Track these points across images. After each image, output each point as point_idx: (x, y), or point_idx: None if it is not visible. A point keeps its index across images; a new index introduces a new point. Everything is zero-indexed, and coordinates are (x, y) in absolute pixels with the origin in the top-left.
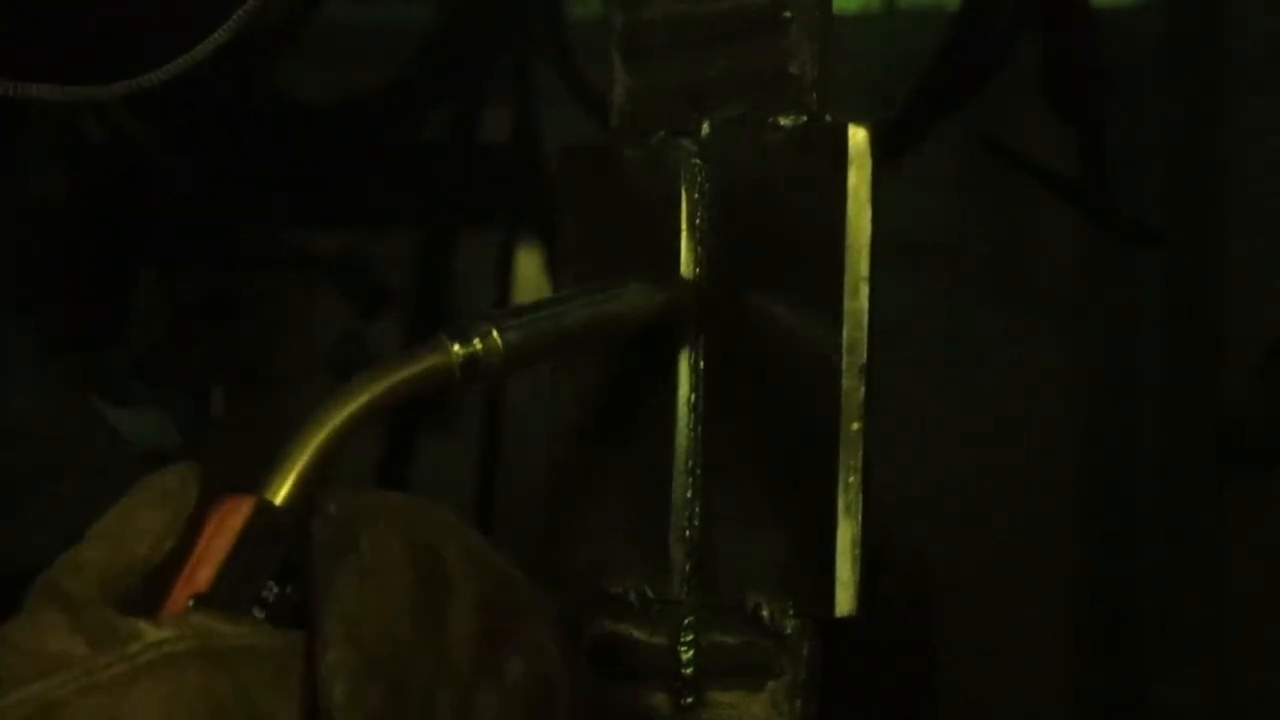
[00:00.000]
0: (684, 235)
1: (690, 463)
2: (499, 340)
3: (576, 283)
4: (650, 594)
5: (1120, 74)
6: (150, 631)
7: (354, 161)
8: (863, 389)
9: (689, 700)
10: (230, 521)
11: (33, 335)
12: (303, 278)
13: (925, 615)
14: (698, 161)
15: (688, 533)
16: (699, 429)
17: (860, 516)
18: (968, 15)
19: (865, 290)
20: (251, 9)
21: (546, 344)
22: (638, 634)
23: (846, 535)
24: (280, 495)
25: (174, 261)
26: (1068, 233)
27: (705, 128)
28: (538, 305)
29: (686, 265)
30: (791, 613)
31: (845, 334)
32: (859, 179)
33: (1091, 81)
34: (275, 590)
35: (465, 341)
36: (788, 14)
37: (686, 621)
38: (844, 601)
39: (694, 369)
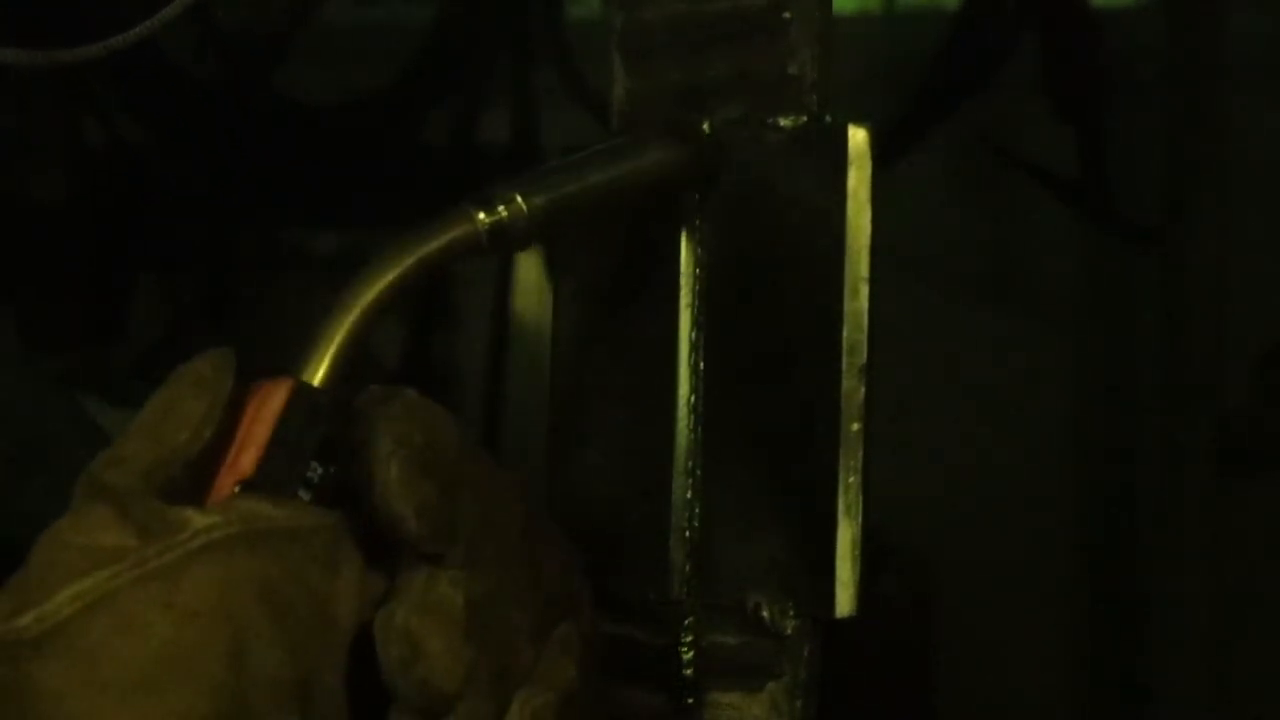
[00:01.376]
0: (684, 236)
1: (690, 464)
2: (524, 205)
3: (577, 284)
4: (651, 595)
5: (1120, 74)
6: (197, 519)
7: (354, 161)
8: (863, 390)
9: (689, 700)
10: (269, 405)
11: (17, 331)
12: (302, 278)
13: (925, 615)
14: None
15: (688, 534)
16: (699, 430)
17: (860, 517)
18: (967, 16)
19: (865, 291)
20: None
21: (572, 205)
22: (638, 635)
23: (846, 536)
24: (317, 376)
25: (174, 262)
26: (1068, 234)
27: (705, 128)
28: (559, 167)
29: (686, 265)
30: (792, 613)
31: (845, 335)
32: (859, 179)
33: (1091, 82)
34: (319, 470)
35: (490, 209)
36: (787, 15)
37: (687, 622)
38: (844, 602)
39: (694, 369)
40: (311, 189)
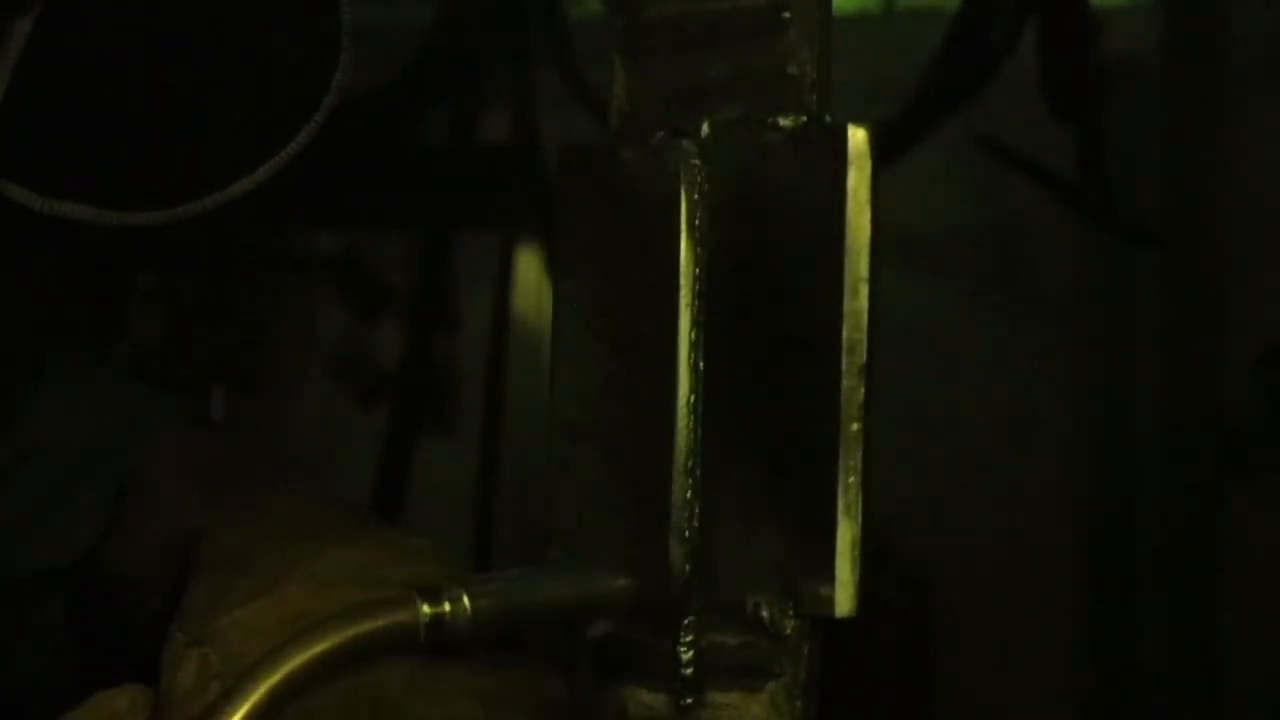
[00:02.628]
0: (683, 236)
1: (690, 463)
2: (469, 606)
3: (577, 285)
4: (650, 595)
5: (1120, 74)
6: None
7: (353, 162)
8: (862, 389)
9: (689, 701)
10: None
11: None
12: (302, 279)
13: (925, 615)
14: (697, 162)
15: (687, 533)
16: (699, 430)
17: (860, 517)
18: (967, 16)
19: (865, 291)
20: (293, 151)
21: (516, 616)
22: (638, 635)
23: (846, 536)
24: None
25: (173, 263)
26: (1067, 234)
27: (705, 128)
28: (509, 576)
29: (686, 265)
30: (791, 613)
31: (845, 334)
32: (858, 179)
33: (1090, 82)
34: None
35: (435, 603)
36: (787, 14)
37: (686, 622)
38: (843, 602)
39: (694, 369)
40: (311, 189)
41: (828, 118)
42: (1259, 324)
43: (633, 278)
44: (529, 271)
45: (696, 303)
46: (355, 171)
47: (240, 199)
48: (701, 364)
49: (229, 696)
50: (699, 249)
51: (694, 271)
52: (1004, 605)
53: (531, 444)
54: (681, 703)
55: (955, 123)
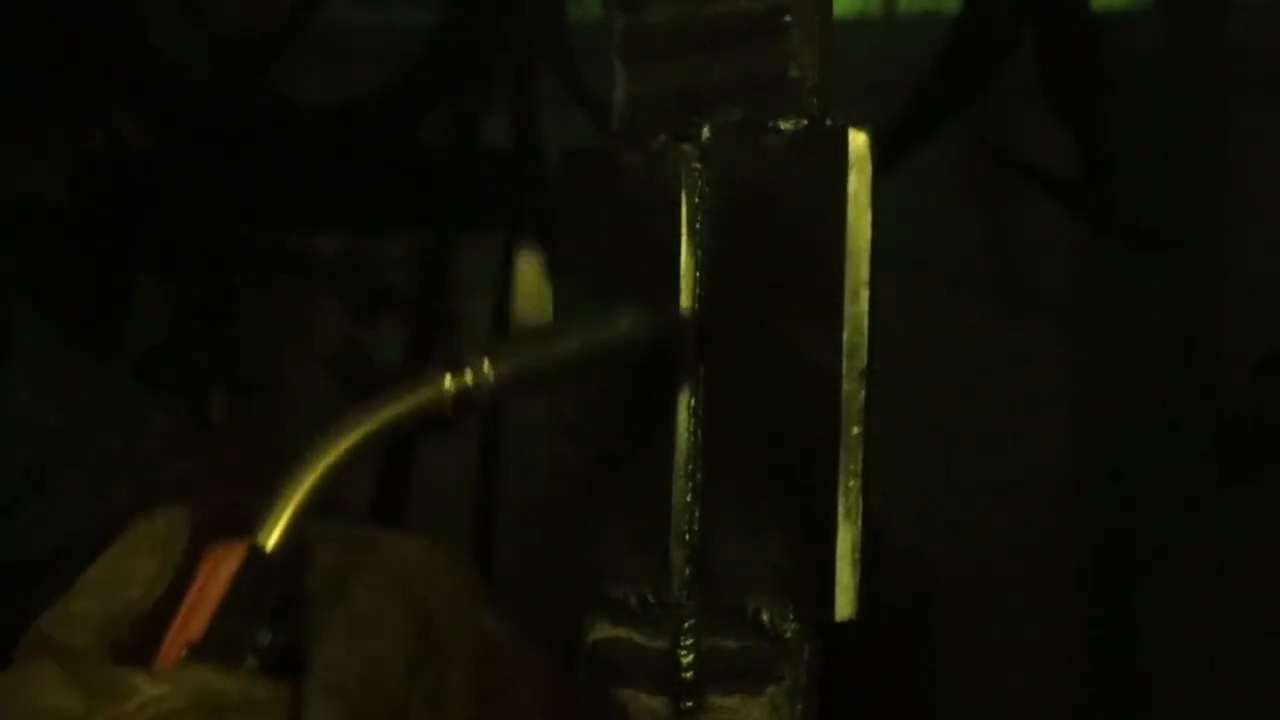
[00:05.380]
0: (684, 239)
1: (690, 466)
2: (490, 372)
3: (577, 287)
4: (651, 598)
5: (1120, 75)
6: (147, 686)
7: (354, 165)
8: (863, 393)
9: (689, 704)
10: (223, 568)
11: (45, 332)
12: (303, 281)
13: (925, 618)
14: (698, 165)
15: (688, 537)
16: (699, 433)
17: (860, 520)
18: (967, 18)
19: (865, 294)
20: None
21: (539, 374)
22: (638, 638)
23: (846, 539)
24: (272, 539)
25: (174, 265)
26: (1067, 236)
27: (705, 131)
28: (531, 334)
29: (686, 268)
30: (791, 617)
31: (845, 338)
32: (859, 183)
33: (1090, 85)
34: (269, 637)
35: (457, 373)
36: (788, 18)
37: (687, 625)
38: (844, 605)
39: (694, 373)
40: (312, 192)
41: (828, 121)
42: (1259, 326)
43: (633, 280)
44: (530, 274)
45: (696, 306)
46: (356, 173)
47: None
48: (702, 368)
49: (271, 501)
50: (699, 252)
51: (694, 274)
52: (1004, 607)
53: (531, 444)
54: (682, 706)
55: (956, 126)
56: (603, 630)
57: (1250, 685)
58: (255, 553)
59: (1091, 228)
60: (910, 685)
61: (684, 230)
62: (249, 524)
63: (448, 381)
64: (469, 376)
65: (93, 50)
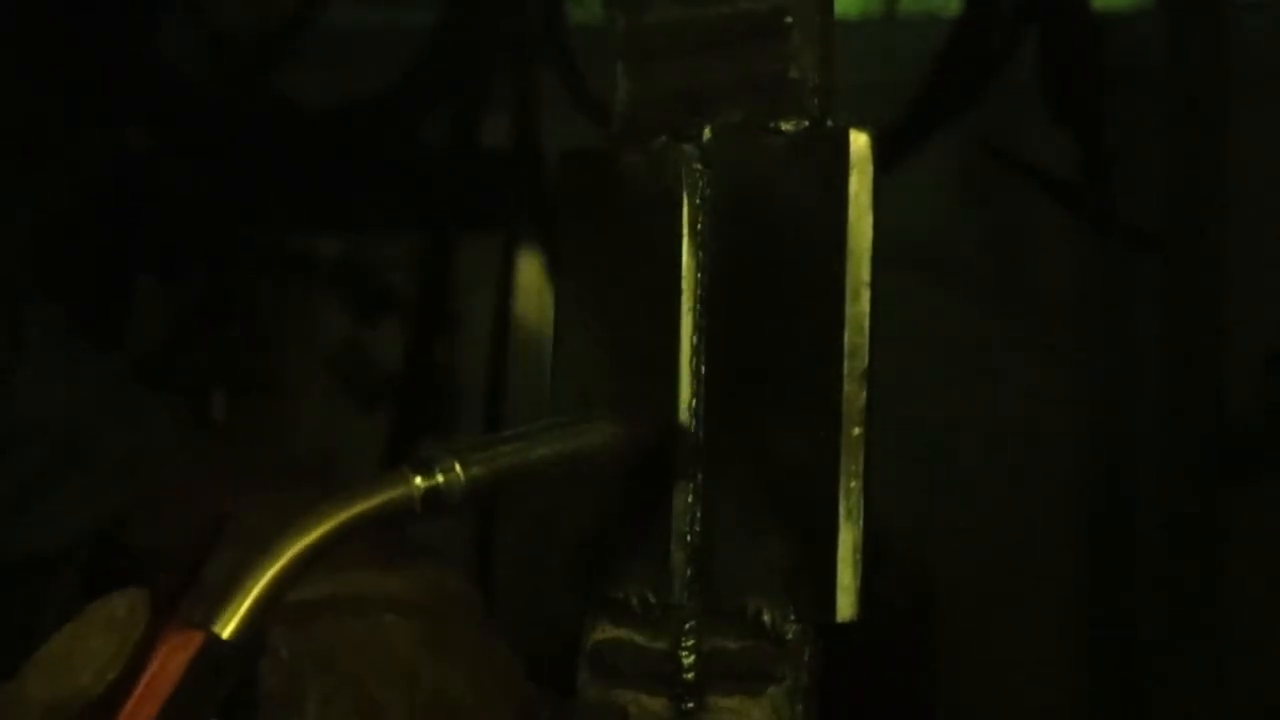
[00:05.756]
0: (685, 240)
1: (691, 468)
2: (462, 474)
3: (577, 285)
4: (651, 599)
5: (1120, 75)
6: None
7: (354, 165)
8: (864, 394)
9: (690, 705)
10: (177, 655)
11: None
12: (304, 282)
13: (925, 619)
14: (699, 166)
15: (689, 538)
16: (700, 434)
17: (861, 522)
18: (968, 20)
19: (866, 295)
20: None
21: (511, 478)
22: (638, 639)
23: (848, 540)
24: (229, 628)
25: (174, 265)
26: (1068, 237)
27: (706, 132)
28: (505, 437)
29: (687, 268)
30: (792, 618)
31: (846, 339)
32: (860, 184)
33: (1091, 86)
34: None
35: (428, 475)
36: (789, 19)
37: (687, 626)
38: (845, 607)
39: (695, 374)
40: (312, 192)
41: (829, 122)
42: (1259, 326)
43: (634, 281)
44: (530, 274)
45: (698, 307)
46: (356, 173)
47: None
48: (702, 368)
49: (230, 589)
50: (700, 253)
51: (695, 276)
52: (1005, 607)
53: None
54: (683, 707)
55: (957, 127)
56: (603, 631)
57: (1250, 685)
58: (211, 642)
59: (1091, 228)
60: (910, 685)
61: (685, 231)
62: (211, 607)
63: (418, 481)
64: (439, 478)
65: (97, 55)
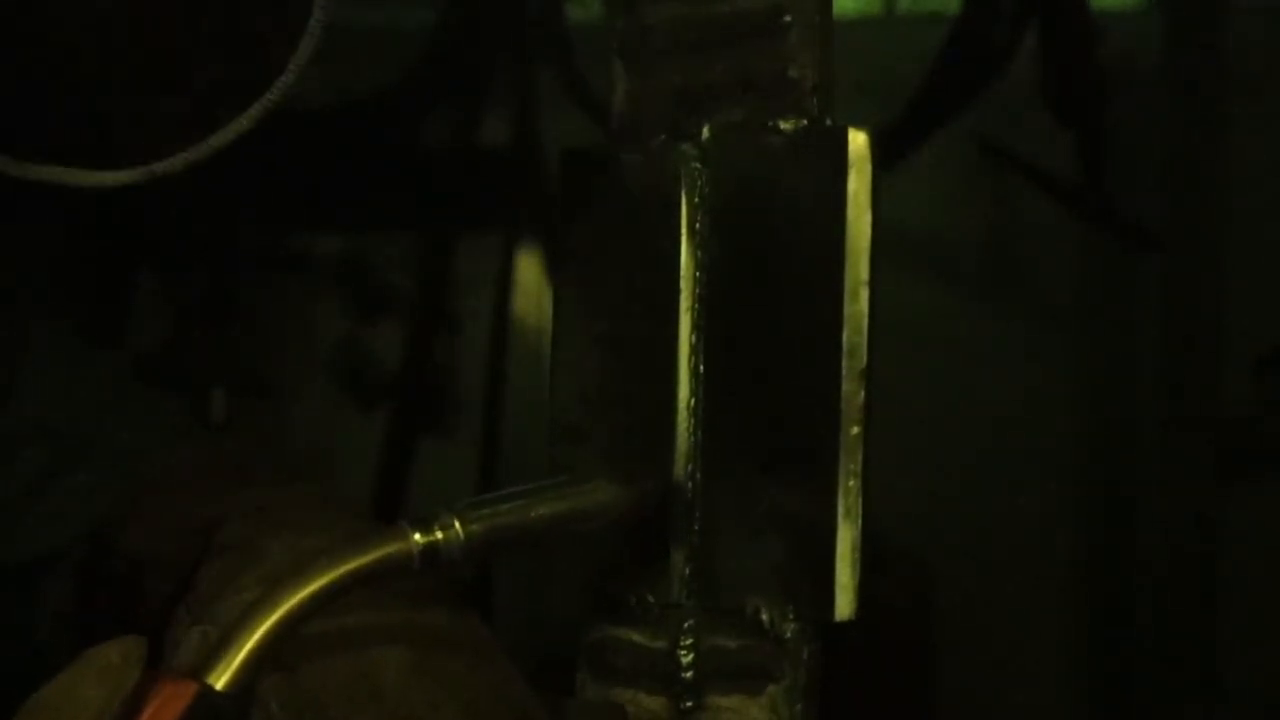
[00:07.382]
0: (684, 239)
1: (690, 467)
2: (461, 532)
3: (577, 286)
4: (651, 598)
5: (1120, 76)
6: None
7: (354, 165)
8: (862, 393)
9: (689, 704)
10: (171, 706)
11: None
12: (304, 281)
13: (924, 618)
14: (698, 165)
15: (688, 537)
16: (699, 433)
17: (860, 520)
18: (967, 19)
19: (865, 294)
20: (272, 101)
21: (509, 538)
22: (638, 638)
23: (846, 539)
24: (223, 680)
25: (174, 264)
26: (1067, 236)
27: (705, 131)
28: (501, 497)
29: (686, 268)
30: (791, 617)
31: (845, 338)
32: (859, 183)
33: (1090, 85)
34: None
35: (427, 532)
36: (788, 18)
37: (687, 625)
38: (843, 605)
39: (694, 372)
40: (312, 192)
41: (828, 121)
42: (1259, 325)
43: (633, 280)
44: (530, 274)
45: (697, 306)
46: (356, 173)
47: (211, 157)
48: (702, 367)
49: (226, 641)
50: (699, 252)
51: (694, 274)
52: (1004, 607)
53: (531, 444)
54: (682, 706)
55: (956, 126)
56: (603, 630)
57: (1250, 685)
58: (205, 693)
59: (1091, 226)
60: (909, 685)
61: (684, 230)
62: (207, 659)
63: (417, 537)
64: (438, 534)
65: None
